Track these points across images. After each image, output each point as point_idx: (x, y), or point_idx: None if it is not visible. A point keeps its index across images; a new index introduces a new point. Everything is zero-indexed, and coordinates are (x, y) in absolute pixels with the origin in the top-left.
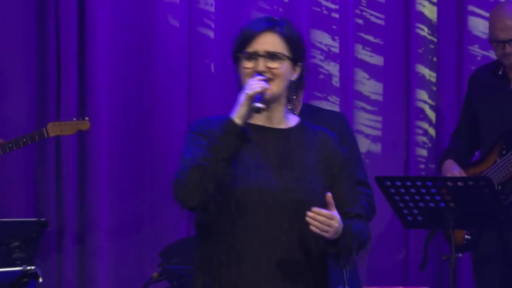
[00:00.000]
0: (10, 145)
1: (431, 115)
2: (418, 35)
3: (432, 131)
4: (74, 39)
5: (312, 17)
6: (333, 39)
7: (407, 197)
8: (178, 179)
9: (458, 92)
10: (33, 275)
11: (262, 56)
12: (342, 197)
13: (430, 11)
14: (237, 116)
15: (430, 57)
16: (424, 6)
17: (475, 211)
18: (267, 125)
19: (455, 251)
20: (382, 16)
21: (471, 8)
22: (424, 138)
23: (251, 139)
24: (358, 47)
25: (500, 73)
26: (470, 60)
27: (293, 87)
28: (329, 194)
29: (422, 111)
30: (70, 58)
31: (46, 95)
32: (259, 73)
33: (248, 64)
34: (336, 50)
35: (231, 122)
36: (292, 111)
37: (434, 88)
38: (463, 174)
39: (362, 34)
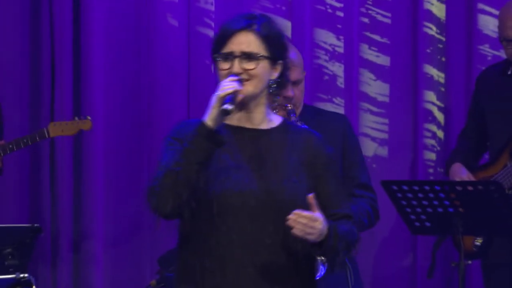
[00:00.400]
0: (10, 146)
1: (440, 117)
2: (426, 34)
3: (440, 134)
4: (69, 38)
5: (316, 15)
6: (338, 38)
7: (414, 202)
8: (152, 186)
9: (467, 93)
10: (27, 283)
11: (237, 56)
12: (328, 197)
13: (438, 9)
14: (209, 118)
15: (439, 57)
16: (432, 4)
17: (485, 216)
18: (247, 126)
19: (464, 258)
20: (389, 15)
21: (480, 6)
22: (432, 141)
23: (225, 142)
24: (364, 47)
25: (509, 72)
26: (480, 60)
27: (274, 86)
28: (311, 195)
29: (430, 113)
30: (64, 58)
31: (40, 96)
32: (235, 74)
33: (225, 65)
34: (341, 50)
35: (203, 125)
36: (293, 111)
37: (443, 89)
38: (472, 178)
39: (367, 34)
